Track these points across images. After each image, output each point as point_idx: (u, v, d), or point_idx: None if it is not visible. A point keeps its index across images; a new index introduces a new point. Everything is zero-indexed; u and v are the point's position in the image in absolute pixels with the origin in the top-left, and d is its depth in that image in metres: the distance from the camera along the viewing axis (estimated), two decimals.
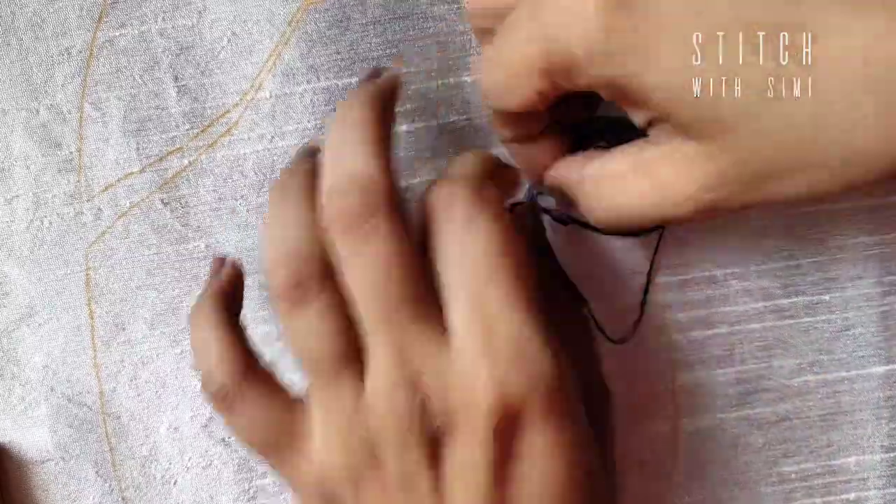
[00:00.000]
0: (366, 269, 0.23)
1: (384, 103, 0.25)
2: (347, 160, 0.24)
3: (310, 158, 0.26)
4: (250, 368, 0.25)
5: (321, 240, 0.24)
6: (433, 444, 0.23)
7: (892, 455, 0.32)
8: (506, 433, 0.23)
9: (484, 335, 0.23)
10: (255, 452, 0.26)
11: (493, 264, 0.23)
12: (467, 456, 0.23)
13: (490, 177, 0.25)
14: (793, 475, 0.32)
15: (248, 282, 0.28)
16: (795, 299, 0.32)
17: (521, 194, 0.30)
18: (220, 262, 0.27)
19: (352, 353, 0.24)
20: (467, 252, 0.23)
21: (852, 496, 0.32)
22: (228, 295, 0.26)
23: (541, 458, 0.23)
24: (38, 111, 0.29)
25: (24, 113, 0.29)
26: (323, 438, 0.24)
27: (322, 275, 0.24)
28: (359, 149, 0.24)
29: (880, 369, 0.32)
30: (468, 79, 0.30)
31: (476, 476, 0.23)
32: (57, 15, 0.29)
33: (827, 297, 0.32)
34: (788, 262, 0.31)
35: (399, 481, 0.24)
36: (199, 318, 0.26)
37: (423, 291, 0.24)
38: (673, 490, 0.32)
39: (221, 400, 0.25)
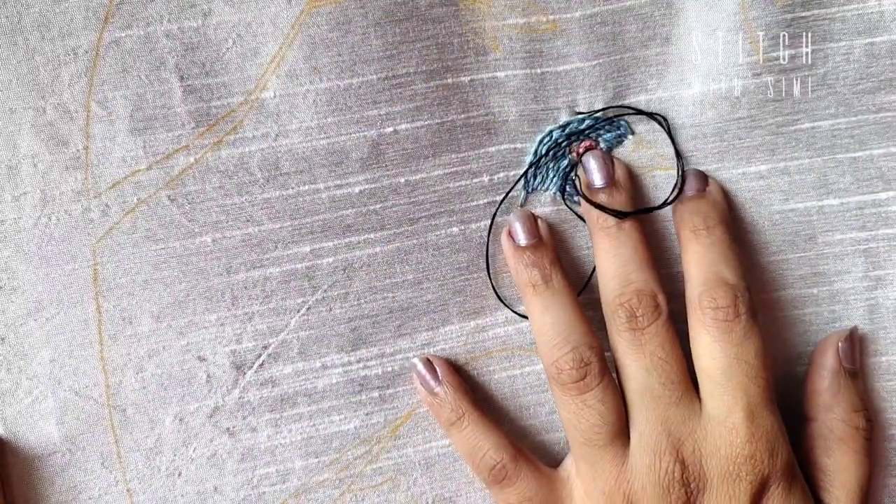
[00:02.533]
0: (645, 357, 0.29)
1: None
2: (632, 275, 0.30)
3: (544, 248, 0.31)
4: (520, 450, 0.31)
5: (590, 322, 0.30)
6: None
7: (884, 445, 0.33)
8: (757, 497, 0.29)
9: (748, 422, 0.29)
10: None
11: (757, 371, 0.29)
12: None
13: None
14: None
15: (248, 277, 0.29)
16: (783, 293, 0.33)
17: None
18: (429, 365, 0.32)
19: (619, 428, 0.29)
20: (742, 360, 0.29)
21: None
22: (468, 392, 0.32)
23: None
24: (45, 110, 0.30)
25: (31, 112, 0.30)
26: (588, 500, 0.30)
27: (602, 363, 0.29)
28: (643, 266, 0.30)
29: (868, 361, 0.33)
30: (466, 79, 0.31)
31: None
32: (63, 16, 0.29)
33: (815, 291, 0.33)
34: (776, 258, 0.33)
35: None
36: (465, 420, 0.31)
37: (684, 380, 0.29)
38: None
39: (498, 476, 0.30)
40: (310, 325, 0.32)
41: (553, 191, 0.32)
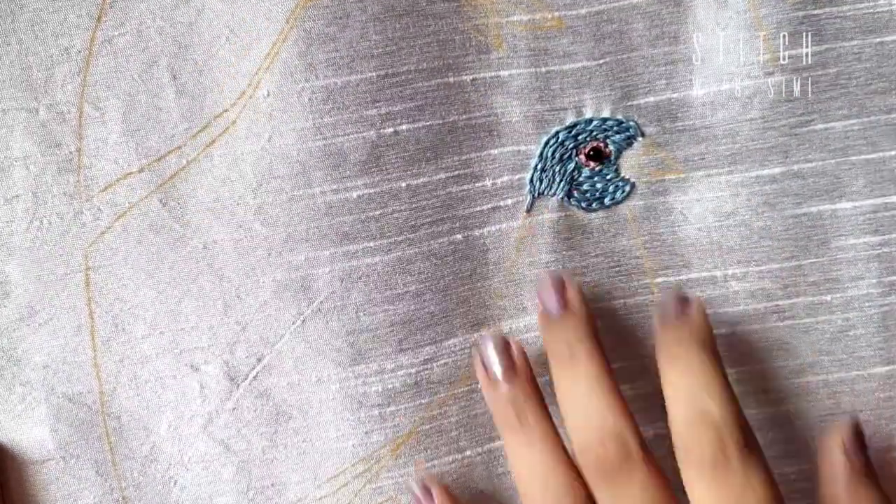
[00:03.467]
0: None
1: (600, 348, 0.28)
2: (593, 415, 0.26)
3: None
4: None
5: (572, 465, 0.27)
6: None
7: (893, 456, 0.32)
8: None
9: None
10: None
11: None
12: None
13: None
14: (793, 476, 0.32)
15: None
16: (796, 300, 0.31)
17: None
18: None
19: None
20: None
21: None
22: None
23: None
24: (37, 111, 0.29)
25: (23, 113, 0.29)
26: None
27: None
28: (603, 403, 0.26)
29: (881, 370, 0.32)
30: (468, 78, 0.30)
31: None
32: (56, 15, 0.29)
33: (828, 298, 0.31)
34: (789, 263, 0.31)
35: None
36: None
37: None
38: None
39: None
40: (305, 338, 0.31)
41: (560, 195, 0.31)
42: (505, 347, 0.29)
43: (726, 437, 0.25)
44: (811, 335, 0.32)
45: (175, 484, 0.31)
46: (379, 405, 0.31)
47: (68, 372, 0.30)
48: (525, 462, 0.28)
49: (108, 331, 0.30)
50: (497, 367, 0.29)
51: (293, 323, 0.30)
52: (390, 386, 0.31)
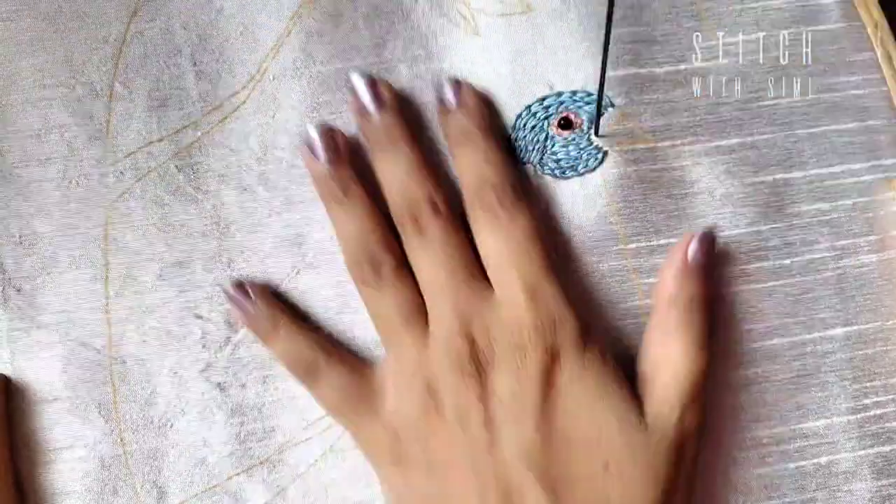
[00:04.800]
0: (430, 253, 0.31)
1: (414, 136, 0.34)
2: (412, 186, 0.32)
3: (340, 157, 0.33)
4: (335, 349, 0.33)
5: (386, 227, 0.32)
6: (483, 381, 0.30)
7: (858, 417, 0.33)
8: (548, 370, 0.30)
9: (526, 294, 0.31)
10: (336, 415, 0.32)
11: (527, 247, 0.31)
12: (516, 387, 0.30)
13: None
14: (765, 439, 0.33)
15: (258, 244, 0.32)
16: (760, 264, 0.34)
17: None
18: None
19: (417, 315, 0.32)
20: (511, 240, 0.31)
21: (823, 460, 0.33)
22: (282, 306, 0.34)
23: (577, 382, 0.30)
24: (74, 87, 0.34)
25: (62, 89, 0.34)
26: (394, 389, 0.31)
27: (394, 257, 0.32)
28: (420, 178, 0.32)
29: (840, 331, 0.33)
30: (446, 65, 0.35)
31: (524, 404, 0.30)
32: (98, 8, 0.34)
33: (788, 262, 0.34)
34: (750, 229, 0.34)
35: (455, 418, 0.30)
36: (280, 328, 0.33)
37: (471, 270, 0.32)
38: None
39: (311, 369, 0.32)
40: (299, 288, 0.34)
41: (535, 163, 0.34)
42: (329, 133, 0.33)
43: (502, 193, 0.32)
44: (775, 298, 0.33)
45: (171, 427, 0.33)
46: (365, 349, 0.34)
47: (82, 318, 0.33)
48: (352, 226, 0.32)
49: (121, 281, 0.34)
50: (321, 151, 0.33)
51: (289, 274, 0.34)
52: (373, 332, 0.34)
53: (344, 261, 0.33)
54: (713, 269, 0.33)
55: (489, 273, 0.32)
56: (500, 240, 0.31)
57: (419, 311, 0.32)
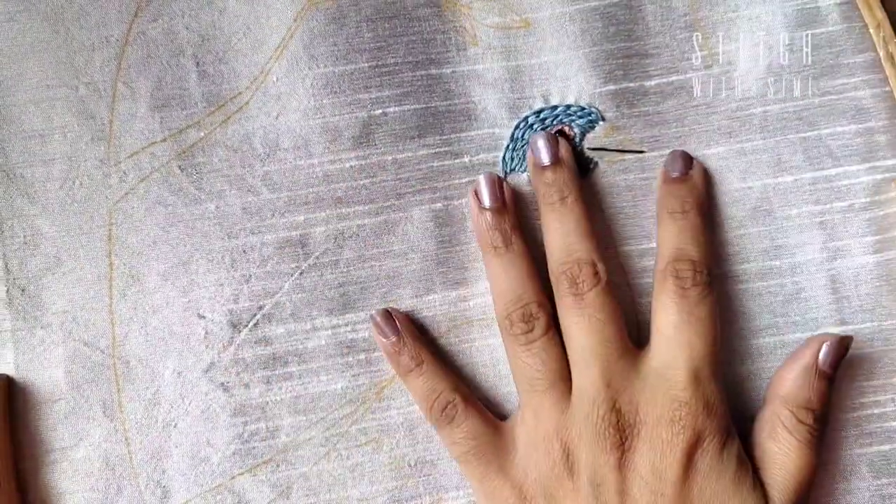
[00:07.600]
0: (585, 318, 0.32)
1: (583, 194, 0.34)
2: (574, 246, 0.32)
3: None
4: (473, 397, 0.33)
5: (541, 284, 0.33)
6: (623, 452, 0.31)
7: (853, 415, 0.34)
8: (691, 449, 0.31)
9: (688, 373, 0.31)
10: (462, 462, 0.33)
11: (707, 329, 0.32)
12: (658, 462, 0.30)
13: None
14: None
15: (259, 239, 0.32)
16: (746, 266, 0.34)
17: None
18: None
19: (562, 380, 0.32)
20: (693, 318, 0.32)
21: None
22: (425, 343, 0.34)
23: (716, 471, 0.31)
24: (77, 88, 0.34)
25: (65, 89, 0.34)
26: (526, 448, 0.32)
27: (546, 316, 0.32)
28: (584, 238, 0.33)
29: (835, 330, 0.34)
30: (448, 70, 0.35)
31: (664, 479, 0.30)
32: (100, 9, 0.34)
33: (777, 263, 0.34)
34: (738, 232, 0.34)
35: (590, 484, 0.31)
36: (424, 367, 0.33)
37: (622, 340, 0.32)
38: None
39: (450, 414, 0.32)
40: (302, 289, 0.34)
41: (529, 172, 0.35)
42: (497, 183, 0.34)
43: (699, 272, 0.32)
44: (764, 298, 0.34)
45: (175, 427, 0.34)
46: (366, 350, 0.34)
47: (86, 318, 0.34)
48: (506, 276, 0.33)
49: (125, 281, 0.34)
50: (488, 198, 0.33)
51: (292, 275, 0.34)
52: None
53: (495, 312, 0.33)
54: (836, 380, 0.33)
55: (654, 340, 0.32)
56: (682, 315, 0.32)
57: (565, 375, 0.32)
